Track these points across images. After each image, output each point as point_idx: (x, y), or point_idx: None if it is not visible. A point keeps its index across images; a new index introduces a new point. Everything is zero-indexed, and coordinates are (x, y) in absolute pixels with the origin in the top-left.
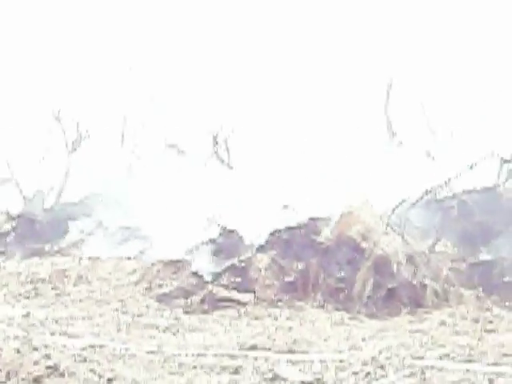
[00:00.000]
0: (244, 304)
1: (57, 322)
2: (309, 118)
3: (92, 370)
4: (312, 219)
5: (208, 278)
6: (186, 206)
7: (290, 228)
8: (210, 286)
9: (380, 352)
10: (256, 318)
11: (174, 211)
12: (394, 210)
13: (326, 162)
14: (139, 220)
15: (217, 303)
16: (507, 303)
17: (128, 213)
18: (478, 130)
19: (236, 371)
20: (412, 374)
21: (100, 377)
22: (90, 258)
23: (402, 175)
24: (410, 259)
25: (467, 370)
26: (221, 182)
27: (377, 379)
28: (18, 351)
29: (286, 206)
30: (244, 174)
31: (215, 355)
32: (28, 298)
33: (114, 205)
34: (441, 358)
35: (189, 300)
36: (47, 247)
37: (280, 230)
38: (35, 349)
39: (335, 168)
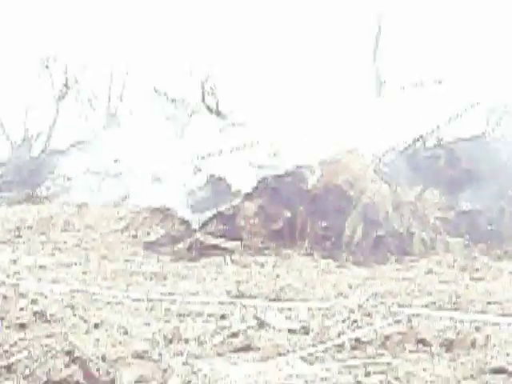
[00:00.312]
0: (231, 251)
1: (43, 268)
2: (297, 66)
3: (79, 316)
4: (299, 167)
5: (195, 226)
6: (173, 154)
7: (277, 176)
8: (197, 234)
9: (367, 300)
10: (243, 266)
11: (161, 158)
12: (381, 158)
13: (315, 110)
14: (126, 168)
15: (204, 251)
16: (494, 251)
17: (115, 160)
18: (466, 79)
19: (222, 318)
20: (399, 322)
21: (87, 322)
22: (76, 205)
23: (390, 123)
24: (398, 208)
25: (454, 318)
26: (208, 130)
27: (363, 327)
28: (5, 297)
29: (273, 154)
30: (232, 122)
31: (202, 302)
32: (15, 244)
33: (102, 152)
34: (427, 306)
35: (176, 247)
36: (34, 194)
37: (267, 178)
38: (22, 295)
39: (323, 116)
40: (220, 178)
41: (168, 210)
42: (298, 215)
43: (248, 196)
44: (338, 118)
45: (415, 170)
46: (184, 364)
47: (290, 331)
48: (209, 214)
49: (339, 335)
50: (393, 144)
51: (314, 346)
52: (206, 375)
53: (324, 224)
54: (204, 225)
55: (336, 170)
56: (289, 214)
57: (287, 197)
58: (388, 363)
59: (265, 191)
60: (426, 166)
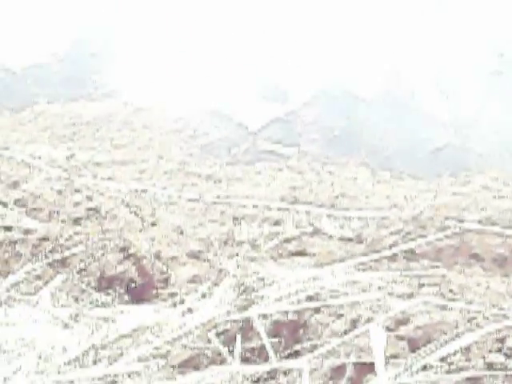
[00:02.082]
0: (287, 157)
1: (99, 165)
2: None
3: (133, 213)
4: (359, 75)
5: (253, 130)
6: (231, 58)
7: (336, 83)
8: (254, 138)
9: (421, 212)
10: (299, 172)
11: (219, 63)
12: (442, 70)
13: (379, 22)
14: (187, 67)
15: (260, 155)
16: None
17: (174, 62)
18: None
19: (277, 223)
20: (452, 236)
21: (142, 221)
22: (134, 104)
23: (456, 35)
24: (456, 121)
25: (508, 235)
26: (270, 30)
27: (416, 238)
28: (60, 192)
29: (331, 63)
30: (297, 26)
31: (256, 206)
32: (71, 140)
33: (162, 51)
34: (481, 222)
35: (232, 150)
36: (93, 91)
37: (326, 85)
38: (77, 191)
39: (385, 27)
40: (278, 84)
41: (226, 112)
42: (355, 123)
43: (306, 103)
44: (402, 29)
45: (476, 83)
46: (238, 266)
47: (344, 239)
48: (267, 118)
49: (393, 246)
50: (457, 56)
51: (367, 255)
52: (260, 278)
53: (381, 134)
54: (261, 129)
55: (396, 79)
56: (346, 122)
57: (345, 104)
58: (442, 276)
59: (323, 98)
60: (488, 80)
